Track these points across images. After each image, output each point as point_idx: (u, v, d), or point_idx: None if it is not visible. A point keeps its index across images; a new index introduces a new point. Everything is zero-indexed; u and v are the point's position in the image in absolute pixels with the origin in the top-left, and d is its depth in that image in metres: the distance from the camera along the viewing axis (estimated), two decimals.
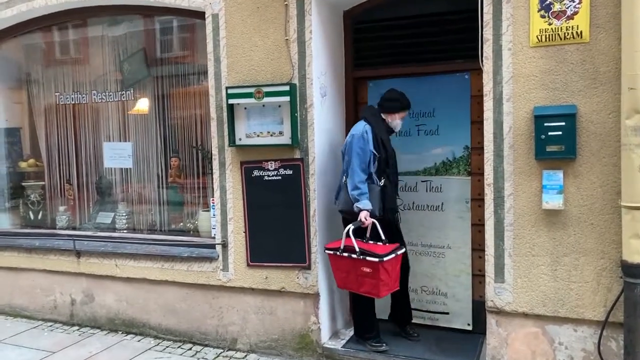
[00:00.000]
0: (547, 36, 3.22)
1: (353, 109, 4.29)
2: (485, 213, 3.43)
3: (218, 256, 4.18)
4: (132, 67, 4.99)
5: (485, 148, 3.41)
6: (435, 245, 4.11)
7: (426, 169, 4.12)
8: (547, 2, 3.20)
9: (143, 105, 4.96)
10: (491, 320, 3.45)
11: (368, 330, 3.83)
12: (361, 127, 3.66)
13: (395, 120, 3.77)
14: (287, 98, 3.80)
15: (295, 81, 3.82)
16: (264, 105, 3.92)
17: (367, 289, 3.48)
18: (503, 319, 3.41)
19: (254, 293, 4.11)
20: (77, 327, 4.80)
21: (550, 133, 3.15)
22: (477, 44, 3.43)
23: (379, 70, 4.21)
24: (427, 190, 4.12)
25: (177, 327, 4.43)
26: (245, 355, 4.10)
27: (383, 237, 3.58)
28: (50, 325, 4.88)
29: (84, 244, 4.79)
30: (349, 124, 4.24)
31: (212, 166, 4.20)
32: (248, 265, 4.08)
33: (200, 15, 4.14)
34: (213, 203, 4.27)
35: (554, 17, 3.22)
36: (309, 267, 3.87)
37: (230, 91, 3.96)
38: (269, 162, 3.96)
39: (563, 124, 3.13)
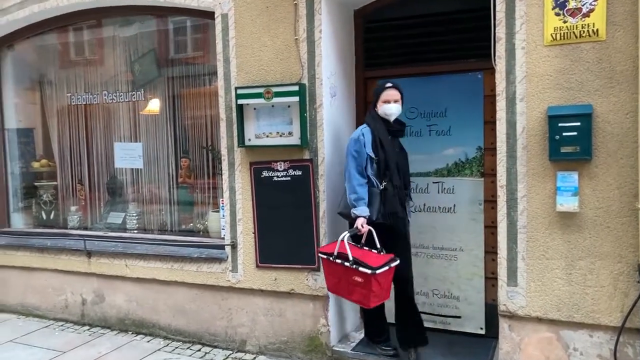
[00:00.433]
0: (562, 34, 3.14)
1: (363, 109, 4.24)
2: (498, 215, 3.36)
3: (227, 257, 4.16)
4: (143, 68, 4.99)
5: (498, 149, 3.34)
6: (447, 248, 4.04)
7: (438, 170, 4.06)
8: None
9: (154, 105, 4.96)
10: (504, 325, 3.38)
11: (378, 333, 3.78)
12: (359, 130, 3.54)
13: (382, 108, 3.51)
14: (297, 98, 3.76)
15: (305, 81, 3.78)
16: (273, 106, 3.89)
17: (357, 298, 3.32)
18: (516, 324, 3.34)
19: (263, 294, 4.08)
20: (87, 327, 4.82)
21: (564, 133, 3.08)
22: (490, 42, 3.37)
23: (389, 70, 4.15)
24: (438, 192, 4.05)
25: (186, 328, 4.42)
26: (255, 357, 4.07)
27: (378, 246, 3.39)
28: (62, 325, 4.90)
29: (94, 244, 4.80)
30: (359, 124, 4.18)
31: (221, 167, 4.18)
32: (257, 266, 4.05)
33: (210, 15, 4.13)
34: (222, 204, 4.25)
35: (569, 15, 3.14)
36: (318, 269, 3.83)
37: (239, 91, 3.94)
38: (278, 163, 3.93)
39: (578, 124, 3.05)
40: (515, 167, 3.28)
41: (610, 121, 3.05)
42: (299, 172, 3.88)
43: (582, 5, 3.10)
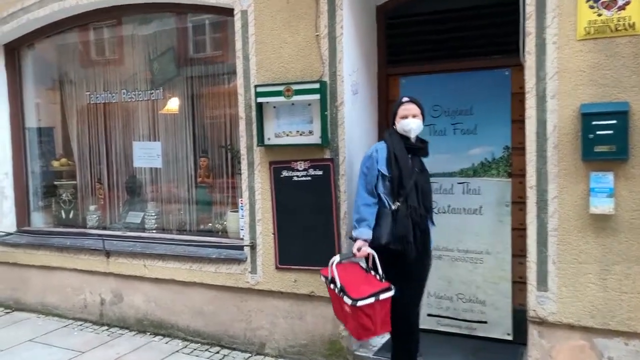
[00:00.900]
0: (596, 28, 3.00)
1: (385, 107, 4.13)
2: (527, 217, 3.22)
3: (246, 258, 4.09)
4: (162, 66, 4.96)
5: (527, 148, 3.21)
6: (473, 251, 3.91)
7: (463, 170, 3.93)
8: None
9: (173, 104, 4.92)
10: (533, 331, 3.25)
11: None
12: (374, 146, 3.27)
13: (400, 124, 3.20)
14: (317, 96, 3.67)
15: (326, 78, 3.69)
16: (293, 104, 3.80)
17: (349, 327, 3.06)
18: (546, 330, 3.20)
19: (283, 297, 4.00)
20: (106, 327, 4.79)
21: (599, 132, 2.94)
22: (518, 38, 3.23)
23: (412, 66, 4.04)
24: (464, 193, 3.92)
25: (205, 330, 4.36)
26: None
27: (380, 272, 3.08)
28: (80, 325, 4.89)
29: (113, 244, 4.77)
30: (381, 123, 4.10)
31: (240, 166, 4.11)
32: (277, 267, 3.97)
33: (229, 12, 4.06)
34: (242, 204, 4.18)
35: (604, 8, 2.99)
36: None
37: (259, 89, 3.86)
38: (298, 162, 3.84)
39: (614, 122, 2.91)
40: (546, 167, 3.14)
41: None
42: (319, 172, 3.79)
43: None
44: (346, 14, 3.64)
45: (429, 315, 4.06)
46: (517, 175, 3.71)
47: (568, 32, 3.04)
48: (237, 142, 4.24)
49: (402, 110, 3.22)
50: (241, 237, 4.24)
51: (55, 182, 5.59)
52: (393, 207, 3.10)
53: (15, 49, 5.41)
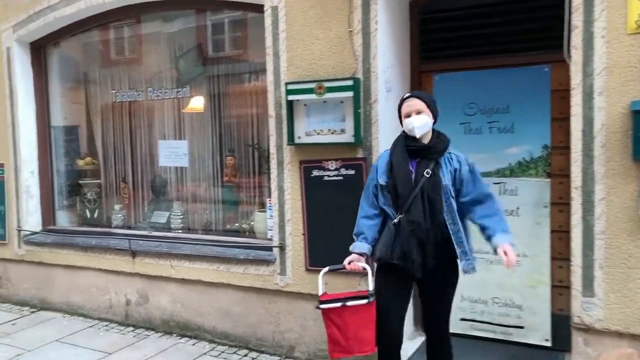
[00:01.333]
0: None
1: None
2: (572, 219, 3.09)
3: (275, 259, 4.00)
4: (188, 64, 4.90)
5: (572, 147, 3.07)
6: None
7: (499, 170, 3.80)
8: None
9: (198, 102, 4.85)
10: (578, 339, 3.11)
11: None
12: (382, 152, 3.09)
13: (404, 123, 2.88)
14: (350, 93, 3.57)
15: (359, 75, 3.59)
16: (325, 102, 3.71)
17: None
18: (592, 338, 3.07)
19: (313, 299, 3.89)
20: (132, 328, 4.74)
21: None
22: (559, 33, 3.10)
23: (446, 63, 3.92)
24: (500, 193, 3.79)
25: (232, 332, 4.28)
26: None
27: (370, 288, 2.89)
28: (106, 325, 4.85)
29: (139, 244, 4.72)
30: None
31: (269, 165, 4.02)
32: (307, 269, 3.88)
33: (259, 8, 3.97)
34: (270, 203, 4.10)
35: None
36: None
37: (289, 87, 3.77)
38: (329, 162, 3.75)
39: None
40: (592, 167, 3.01)
41: None
42: (351, 172, 3.69)
43: None
44: (380, 8, 3.54)
45: (462, 319, 3.95)
46: (557, 176, 3.57)
47: (618, 26, 2.91)
48: (264, 140, 4.16)
49: (405, 107, 2.88)
50: (269, 237, 4.16)
51: (80, 181, 5.57)
52: (395, 219, 2.82)
53: (41, 47, 5.39)
